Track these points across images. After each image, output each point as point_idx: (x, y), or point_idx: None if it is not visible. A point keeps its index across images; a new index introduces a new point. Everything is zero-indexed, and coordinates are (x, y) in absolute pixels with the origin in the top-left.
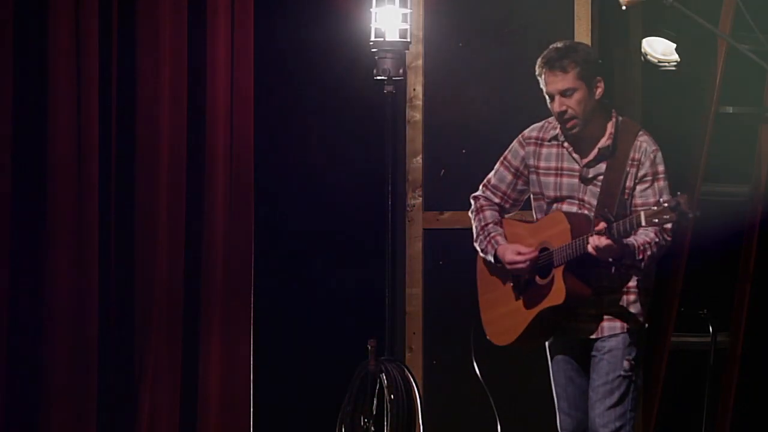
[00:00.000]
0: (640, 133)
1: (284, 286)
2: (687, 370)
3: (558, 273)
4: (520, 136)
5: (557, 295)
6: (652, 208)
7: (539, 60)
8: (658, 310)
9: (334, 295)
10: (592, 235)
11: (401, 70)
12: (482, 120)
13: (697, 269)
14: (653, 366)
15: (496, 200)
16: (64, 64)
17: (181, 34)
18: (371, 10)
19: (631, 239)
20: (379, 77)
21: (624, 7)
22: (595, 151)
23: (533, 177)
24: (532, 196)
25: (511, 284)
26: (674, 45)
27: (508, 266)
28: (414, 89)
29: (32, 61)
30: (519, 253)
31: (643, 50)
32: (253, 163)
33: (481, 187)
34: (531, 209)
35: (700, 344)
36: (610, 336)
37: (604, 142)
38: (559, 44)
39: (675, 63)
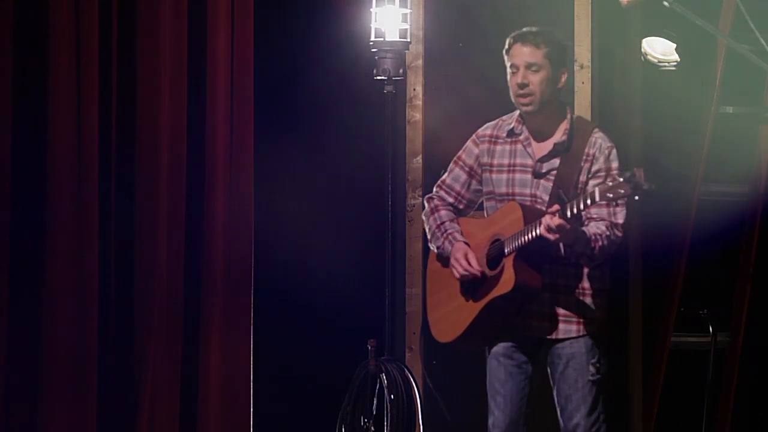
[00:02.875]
0: (595, 130)
1: (284, 287)
2: (687, 370)
3: (508, 261)
4: (474, 134)
5: (506, 283)
6: (607, 183)
7: (509, 37)
8: (658, 310)
9: (334, 295)
10: (544, 217)
11: (401, 70)
12: (482, 120)
13: (697, 269)
14: (653, 366)
15: (450, 200)
16: (64, 64)
17: (181, 34)
18: (371, 10)
19: (583, 229)
20: (379, 77)
21: (624, 7)
22: (550, 146)
23: (486, 176)
24: (485, 197)
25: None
26: (674, 45)
27: (451, 262)
28: (414, 89)
29: (32, 61)
30: (466, 260)
31: (643, 50)
32: (253, 163)
33: (435, 187)
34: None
35: (700, 344)
36: (567, 339)
37: (559, 137)
38: (533, 28)
39: (675, 63)
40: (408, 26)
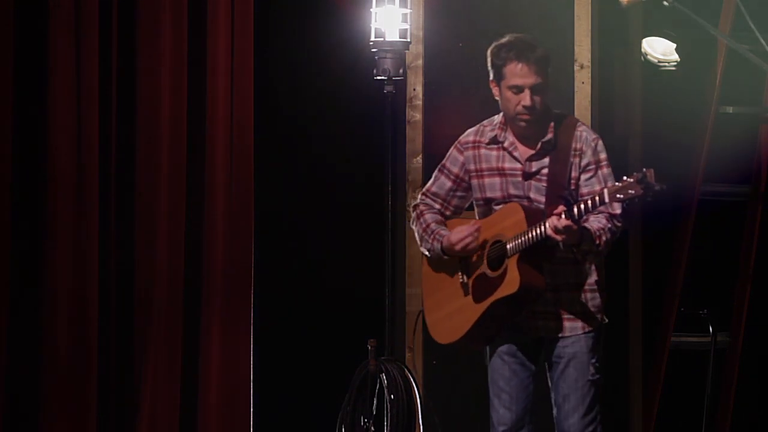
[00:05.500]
0: (579, 123)
1: (284, 286)
2: (687, 370)
3: (512, 262)
4: (456, 142)
5: (511, 284)
6: (616, 183)
7: (500, 47)
8: (658, 310)
9: (334, 295)
10: (550, 218)
11: (401, 70)
12: (482, 120)
13: (697, 269)
14: (653, 366)
15: (437, 206)
16: (64, 64)
17: (181, 34)
18: (371, 10)
19: (586, 225)
20: (379, 77)
21: (624, 7)
22: (539, 145)
23: (475, 182)
24: (474, 202)
25: (460, 279)
26: (674, 45)
27: (458, 247)
28: (414, 89)
29: (32, 61)
30: (463, 232)
31: (643, 50)
32: (253, 163)
33: (419, 195)
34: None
35: (700, 344)
36: (571, 337)
37: (546, 136)
38: (513, 36)
39: (675, 63)
40: (408, 26)
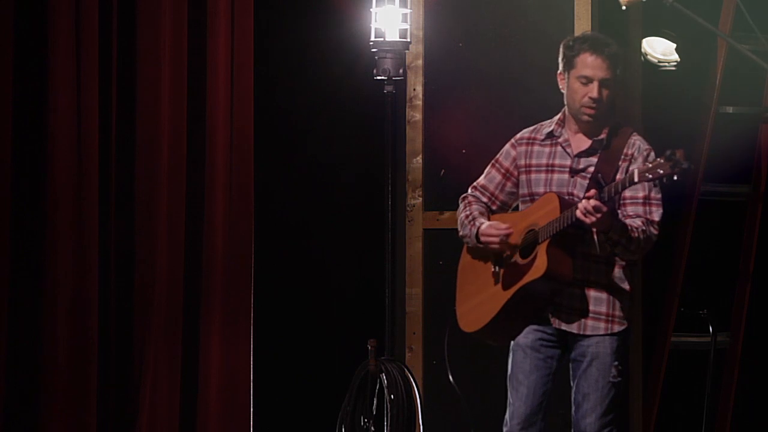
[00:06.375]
0: (634, 133)
1: (284, 286)
2: (687, 370)
3: (541, 249)
4: (512, 138)
5: (538, 269)
6: (647, 164)
7: (575, 39)
8: (658, 310)
9: (334, 295)
10: (581, 202)
11: (401, 70)
12: (482, 120)
13: (697, 269)
14: (653, 366)
15: (484, 200)
16: (64, 64)
17: (181, 34)
18: (371, 10)
19: (621, 220)
20: (379, 77)
21: (624, 7)
22: (590, 142)
23: (523, 177)
24: (520, 199)
25: (492, 269)
26: (674, 45)
27: (482, 239)
28: (414, 89)
29: (32, 61)
30: (495, 227)
31: (643, 50)
32: (253, 163)
33: (469, 188)
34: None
35: (700, 344)
36: (593, 336)
37: (599, 136)
38: (589, 32)
39: (675, 63)
40: (408, 26)
